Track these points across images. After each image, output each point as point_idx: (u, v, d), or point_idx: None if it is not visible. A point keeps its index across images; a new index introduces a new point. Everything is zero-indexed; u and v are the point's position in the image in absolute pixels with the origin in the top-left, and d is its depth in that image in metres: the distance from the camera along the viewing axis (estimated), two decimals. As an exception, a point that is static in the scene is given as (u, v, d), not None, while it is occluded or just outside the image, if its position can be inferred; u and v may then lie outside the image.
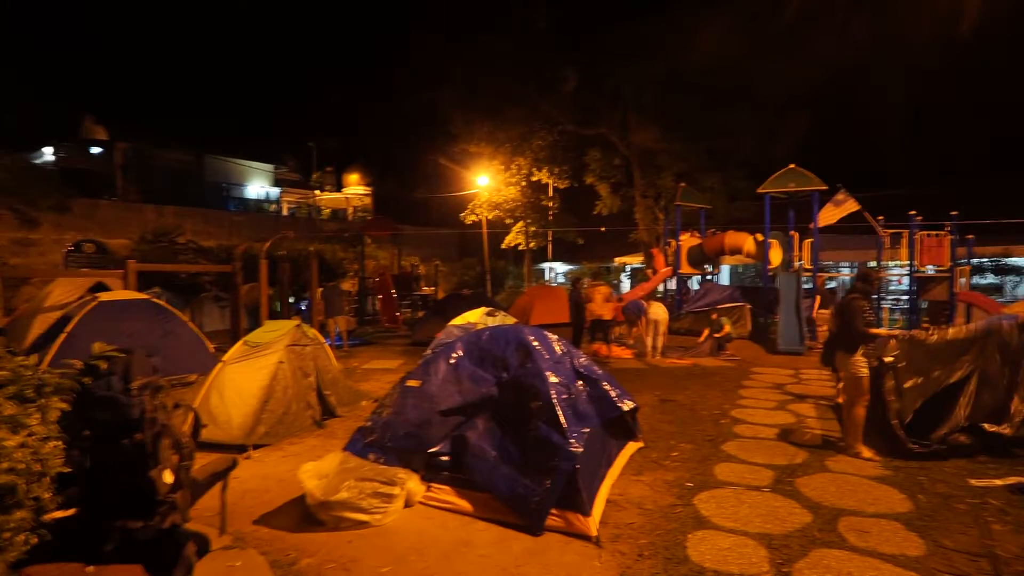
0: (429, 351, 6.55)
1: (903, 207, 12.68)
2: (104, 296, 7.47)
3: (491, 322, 7.59)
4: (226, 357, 5.82)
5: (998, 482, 4.19)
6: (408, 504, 3.78)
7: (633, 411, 4.79)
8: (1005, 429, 4.69)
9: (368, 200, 33.72)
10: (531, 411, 3.78)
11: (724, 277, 18.89)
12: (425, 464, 3.91)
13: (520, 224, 21.49)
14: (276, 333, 5.96)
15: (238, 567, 3.11)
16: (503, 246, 22.15)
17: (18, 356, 2.22)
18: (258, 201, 32.14)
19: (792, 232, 12.70)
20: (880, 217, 12.91)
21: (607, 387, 4.45)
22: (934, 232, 12.19)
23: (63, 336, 6.54)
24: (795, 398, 7.06)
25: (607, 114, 19.28)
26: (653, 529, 3.53)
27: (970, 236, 13.02)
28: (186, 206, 22.41)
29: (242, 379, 5.47)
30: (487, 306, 9.19)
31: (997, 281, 19.61)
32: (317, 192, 34.09)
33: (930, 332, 5.16)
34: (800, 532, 3.47)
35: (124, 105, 40.71)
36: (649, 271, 15.09)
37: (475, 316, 8.00)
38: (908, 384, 4.96)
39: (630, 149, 19.25)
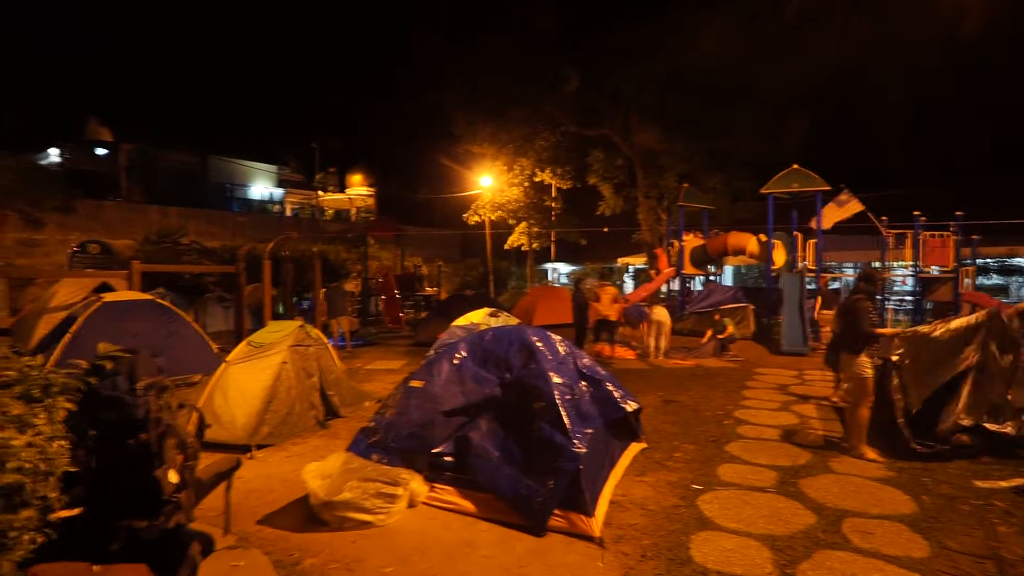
0: (432, 352, 6.56)
1: (906, 207, 12.65)
2: (109, 297, 7.50)
3: (494, 323, 7.60)
4: (230, 357, 5.84)
5: (1003, 484, 4.17)
6: (411, 504, 3.78)
7: (636, 412, 4.78)
8: (1008, 428, 4.68)
9: (371, 201, 33.78)
10: (534, 412, 3.78)
11: (727, 278, 18.86)
12: (428, 464, 3.91)
13: (523, 225, 21.49)
14: (280, 334, 5.98)
15: (242, 567, 3.12)
16: (506, 247, 22.15)
17: (24, 356, 2.24)
18: (262, 202, 32.22)
19: (796, 232, 12.68)
20: (884, 218, 12.87)
21: (610, 388, 4.44)
22: (938, 232, 12.15)
23: (68, 336, 6.57)
24: (798, 399, 7.04)
25: (609, 115, 19.28)
26: (656, 530, 3.53)
27: (975, 236, 12.98)
28: (190, 207, 22.48)
29: (246, 379, 5.48)
30: (490, 307, 9.19)
31: (1002, 282, 19.55)
32: (320, 193, 34.16)
33: (934, 325, 5.17)
34: (804, 533, 3.46)
35: (128, 106, 40.87)
36: (653, 272, 15.08)
37: (478, 317, 8.01)
38: (913, 381, 4.96)
39: (632, 150, 19.24)
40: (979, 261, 15.10)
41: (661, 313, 10.29)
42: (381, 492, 3.63)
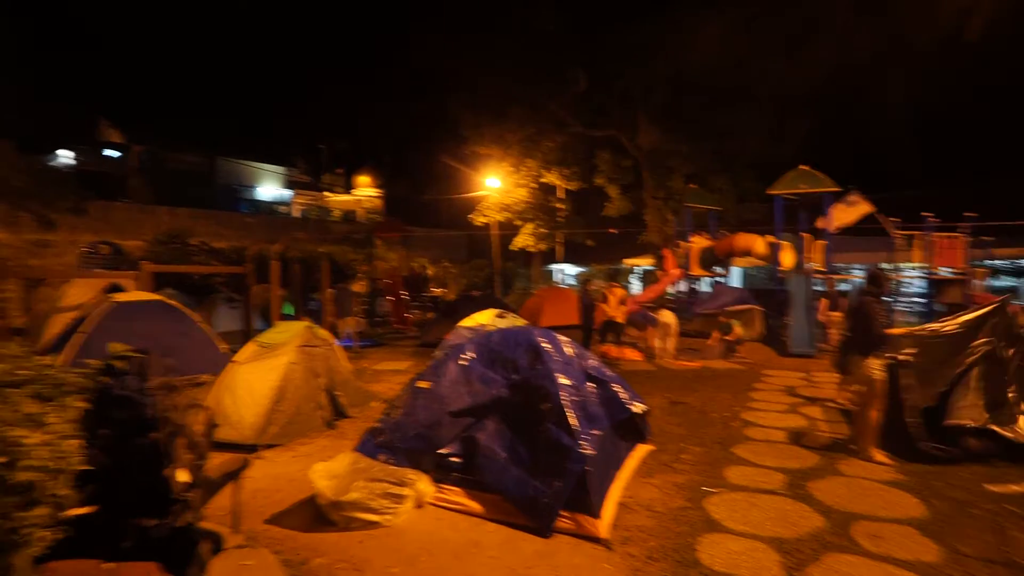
0: (439, 352, 6.58)
1: (917, 208, 12.54)
2: (119, 297, 7.56)
3: (501, 324, 7.60)
4: (238, 357, 5.88)
5: (1015, 488, 4.12)
6: (418, 505, 3.79)
7: (643, 413, 4.77)
8: (1017, 431, 4.62)
9: (378, 202, 33.93)
10: (541, 413, 3.78)
11: (735, 279, 18.77)
12: (435, 465, 3.92)
13: (530, 226, 21.49)
14: (287, 334, 6.02)
15: (250, 566, 3.14)
16: (511, 247, 22.16)
17: (38, 355, 2.27)
18: (269, 203, 32.45)
19: (804, 234, 12.60)
20: (895, 219, 12.77)
21: (617, 389, 4.44)
22: (948, 233, 12.05)
23: (80, 336, 6.62)
24: (806, 401, 7.00)
25: (616, 115, 19.25)
26: (663, 532, 3.52)
27: (987, 238, 12.85)
28: (199, 208, 22.65)
29: (254, 379, 5.52)
30: (497, 308, 9.20)
31: (1015, 283, 19.33)
32: (327, 194, 34.33)
33: (943, 321, 5.16)
34: (812, 536, 3.44)
35: (138, 109, 41.25)
36: (660, 273, 15.04)
37: (485, 317, 8.02)
38: (922, 380, 4.93)
39: (639, 150, 19.20)
40: (992, 262, 14.95)
41: (668, 314, 10.26)
42: (388, 492, 3.64)
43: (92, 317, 6.91)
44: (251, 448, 4.87)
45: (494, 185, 20.97)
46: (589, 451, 3.58)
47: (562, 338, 4.56)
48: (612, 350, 10.18)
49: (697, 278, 15.33)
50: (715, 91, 17.45)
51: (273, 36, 54.12)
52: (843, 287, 12.50)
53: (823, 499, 3.99)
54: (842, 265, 19.26)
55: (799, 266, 12.44)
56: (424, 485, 3.82)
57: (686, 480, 4.37)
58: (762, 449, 5.16)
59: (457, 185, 23.54)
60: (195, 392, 6.34)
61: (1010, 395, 4.75)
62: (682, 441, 5.38)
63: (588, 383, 4.30)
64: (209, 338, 7.96)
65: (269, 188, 33.65)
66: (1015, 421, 4.67)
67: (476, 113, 20.14)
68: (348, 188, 34.96)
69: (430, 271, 18.95)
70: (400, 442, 4.03)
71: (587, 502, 3.45)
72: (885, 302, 5.58)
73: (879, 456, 4.76)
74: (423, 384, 4.34)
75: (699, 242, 14.50)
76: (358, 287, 15.27)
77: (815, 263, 12.14)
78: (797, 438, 5.48)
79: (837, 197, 12.15)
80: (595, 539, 3.36)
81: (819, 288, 11.82)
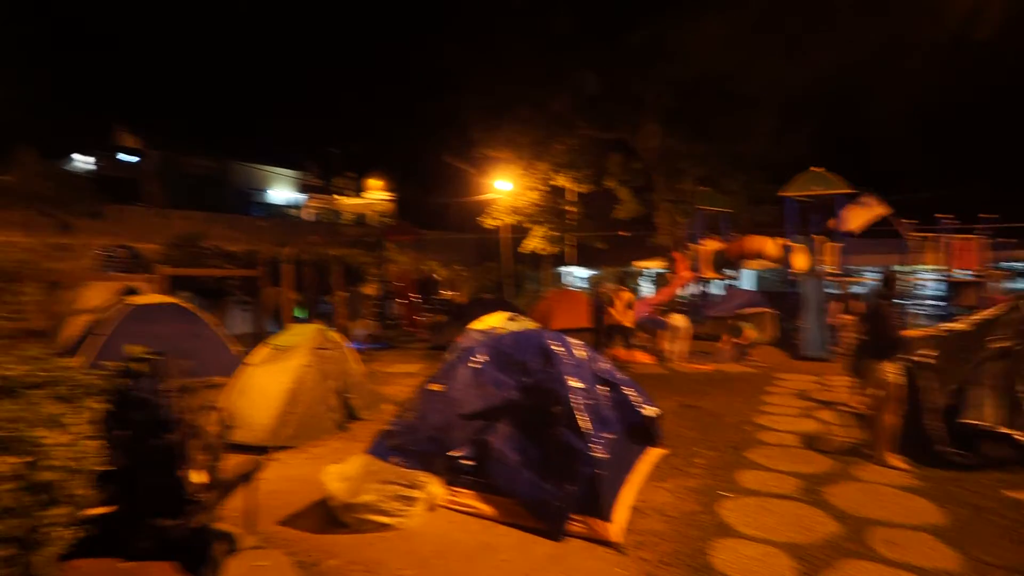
0: (451, 355, 6.58)
1: (932, 210, 12.38)
2: (135, 300, 7.67)
3: (512, 326, 7.59)
4: (251, 360, 5.94)
5: (1035, 494, 4.05)
6: (430, 507, 3.80)
7: (656, 417, 4.75)
8: None
9: (389, 205, 34.11)
10: (553, 416, 3.77)
11: (747, 282, 18.61)
12: (447, 468, 3.93)
13: (541, 229, 21.47)
14: (300, 337, 6.07)
15: (265, 567, 3.16)
16: (522, 250, 22.16)
17: (60, 358, 2.31)
18: (281, 206, 32.75)
19: (817, 236, 12.47)
20: (913, 220, 12.59)
21: (629, 392, 4.42)
22: (964, 235, 11.87)
23: (98, 338, 6.72)
24: (820, 405, 6.92)
25: (627, 118, 19.18)
26: (676, 536, 3.49)
27: (1006, 240, 12.65)
28: (212, 212, 22.89)
29: (267, 381, 5.57)
30: (508, 310, 9.20)
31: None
32: (339, 197, 34.57)
33: (958, 321, 5.10)
34: (828, 542, 3.40)
35: (154, 114, 41.85)
36: (671, 276, 14.96)
37: (496, 320, 8.02)
38: (938, 381, 4.86)
39: (650, 153, 19.13)
40: (1011, 264, 14.69)
41: (679, 317, 10.20)
42: (400, 495, 3.66)
43: (109, 320, 7.01)
44: (264, 450, 4.91)
45: (504, 188, 20.99)
46: (601, 454, 3.57)
47: (573, 341, 4.56)
48: (622, 353, 10.14)
49: (708, 281, 15.22)
50: (725, 93, 17.36)
51: (285, 41, 54.69)
52: (856, 290, 12.36)
53: (838, 504, 3.95)
54: (855, 268, 19.05)
55: (812, 269, 12.32)
56: (436, 488, 3.83)
57: (699, 484, 4.34)
58: (775, 453, 5.11)
59: (468, 188, 23.60)
60: (209, 394, 6.42)
61: (1020, 394, 4.66)
62: (694, 445, 5.34)
63: (600, 386, 4.29)
64: (222, 340, 8.05)
65: (281, 192, 33.97)
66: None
67: (487, 116, 20.18)
68: (359, 191, 35.20)
69: (441, 274, 19.01)
70: (412, 444, 4.05)
71: (599, 506, 3.44)
72: (900, 305, 5.52)
73: (895, 461, 4.70)
74: (435, 387, 4.35)
75: (710, 244, 14.41)
76: (369, 290, 15.36)
77: (828, 265, 12.02)
78: (811, 442, 5.42)
79: (850, 199, 12.02)
80: (607, 543, 3.35)
81: (832, 291, 11.70)
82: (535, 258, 22.61)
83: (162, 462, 2.75)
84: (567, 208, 21.91)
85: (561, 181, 20.88)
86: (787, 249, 12.48)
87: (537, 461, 3.69)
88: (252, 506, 3.46)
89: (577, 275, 24.72)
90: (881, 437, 4.79)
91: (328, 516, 3.70)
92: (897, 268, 13.18)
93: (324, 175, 35.86)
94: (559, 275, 23.91)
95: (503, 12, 19.33)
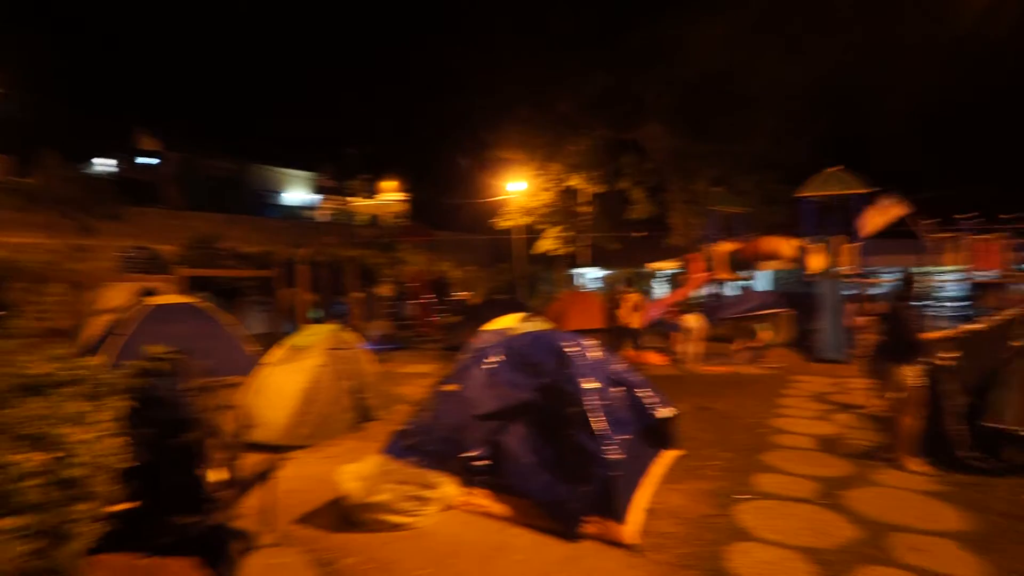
0: (464, 356, 6.60)
1: (953, 209, 12.15)
2: (155, 300, 7.79)
3: (527, 327, 7.58)
4: (268, 360, 6.00)
5: (1061, 500, 3.96)
6: (445, 507, 3.81)
7: (671, 418, 4.72)
8: None
9: (403, 206, 34.30)
10: (567, 417, 3.77)
11: (762, 283, 18.41)
12: (462, 468, 3.93)
13: (554, 230, 21.45)
14: (316, 337, 6.12)
15: (282, 564, 3.20)
16: (536, 251, 22.15)
17: (84, 357, 2.35)
18: (297, 208, 33.09)
19: (834, 237, 12.30)
20: (931, 220, 12.37)
21: (645, 394, 4.40)
22: (986, 235, 11.63)
23: (119, 338, 6.84)
24: (838, 408, 6.82)
25: (640, 118, 19.11)
26: (692, 539, 3.47)
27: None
28: (230, 213, 23.16)
29: (283, 381, 5.63)
30: (522, 311, 9.19)
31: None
32: (353, 199, 34.85)
33: (980, 323, 5.00)
34: (847, 547, 3.35)
35: (171, 116, 42.51)
36: (684, 277, 14.85)
37: (510, 321, 8.00)
38: (960, 384, 4.77)
39: (663, 153, 19.03)
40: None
41: (693, 318, 10.13)
42: (415, 495, 3.67)
43: (129, 320, 7.13)
44: (280, 449, 4.96)
45: (518, 189, 21.01)
46: (616, 456, 3.55)
47: (588, 342, 4.54)
48: (631, 354, 10.09)
49: (723, 282, 15.09)
50: (737, 92, 17.23)
51: (301, 45, 55.28)
52: (873, 291, 12.17)
53: (858, 509, 3.89)
54: (873, 269, 18.76)
55: (828, 270, 12.15)
56: (451, 488, 3.84)
57: (714, 487, 4.30)
58: (792, 456, 5.05)
59: (481, 189, 23.64)
60: (227, 393, 6.50)
61: None
62: (710, 447, 5.29)
63: (615, 387, 4.27)
64: (239, 340, 8.14)
65: (296, 193, 34.33)
66: None
67: (500, 118, 20.23)
68: (373, 193, 35.46)
69: (455, 275, 19.06)
70: (427, 445, 4.06)
71: (614, 507, 3.43)
72: (919, 306, 5.43)
73: (916, 465, 4.62)
74: (449, 387, 4.37)
75: (725, 245, 14.28)
76: (383, 291, 15.46)
77: (845, 266, 11.85)
78: (829, 445, 5.35)
79: (869, 199, 11.84)
80: (622, 545, 3.33)
81: (849, 292, 11.54)
82: (548, 259, 22.58)
83: (182, 460, 2.79)
84: (580, 209, 21.86)
85: (574, 182, 20.85)
86: (803, 250, 12.33)
87: (552, 462, 3.69)
88: (269, 504, 3.50)
89: (590, 276, 24.63)
90: (901, 441, 4.72)
91: (343, 515, 3.73)
92: (916, 269, 12.96)
93: (339, 177, 36.17)
94: (572, 276, 23.84)
95: (515, 14, 19.37)
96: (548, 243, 21.71)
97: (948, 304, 14.44)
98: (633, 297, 10.24)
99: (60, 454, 1.90)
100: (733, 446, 5.34)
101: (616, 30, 18.97)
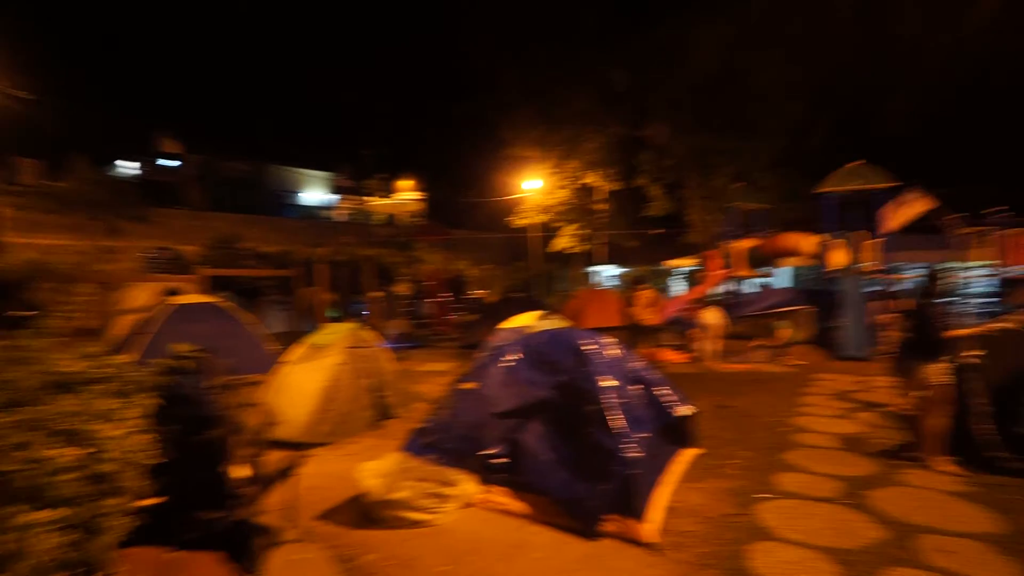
0: (482, 354, 6.62)
1: (980, 203, 11.84)
2: (178, 300, 7.95)
3: (544, 325, 7.58)
4: (288, 358, 6.08)
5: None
6: (464, 505, 3.83)
7: (690, 416, 4.68)
8: None
9: (420, 205, 34.48)
10: (586, 415, 3.76)
11: (783, 279, 18.14)
12: (480, 466, 3.95)
13: (571, 227, 21.39)
14: (335, 335, 6.19)
15: (305, 560, 3.24)
16: (552, 249, 22.11)
17: (113, 355, 2.41)
18: (316, 208, 33.46)
19: (856, 232, 12.07)
20: (961, 215, 12.07)
21: (663, 391, 4.37)
22: (1019, 229, 11.31)
23: (144, 337, 6.99)
24: (861, 406, 6.70)
25: (657, 115, 18.96)
26: (713, 538, 3.44)
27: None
28: (249, 213, 23.51)
29: (304, 379, 5.70)
30: (538, 309, 9.19)
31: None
32: (370, 198, 35.13)
33: (1010, 320, 4.87)
34: (874, 548, 3.29)
35: (192, 119, 43.23)
36: (703, 274, 14.71)
37: (527, 319, 8.01)
38: (989, 383, 4.65)
39: (681, 149, 18.84)
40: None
41: (712, 315, 10.03)
42: (435, 492, 3.70)
43: (153, 319, 7.28)
44: (300, 446, 5.03)
45: (534, 187, 20.99)
46: (635, 454, 3.54)
47: (606, 339, 4.52)
48: (646, 352, 10.02)
49: (742, 279, 14.91)
50: (759, 88, 16.98)
51: (318, 45, 55.80)
52: (898, 287, 11.92)
53: (883, 509, 3.81)
54: (897, 265, 18.38)
55: (850, 266, 11.94)
56: (470, 485, 3.86)
57: (735, 485, 4.26)
58: (814, 455, 4.98)
59: (498, 187, 23.66)
60: (249, 391, 6.61)
61: None
62: (730, 445, 5.24)
63: (634, 385, 4.25)
64: (259, 339, 8.27)
65: (314, 193, 34.72)
66: None
67: (516, 116, 20.22)
68: (390, 192, 35.70)
69: (471, 273, 19.11)
70: (445, 442, 4.09)
71: (633, 505, 3.41)
72: (946, 303, 5.29)
73: (944, 465, 4.52)
74: (467, 385, 4.38)
75: (744, 242, 14.10)
76: (401, 289, 15.57)
77: (868, 262, 11.62)
78: (852, 444, 5.26)
79: (893, 193, 11.59)
80: (641, 543, 3.32)
81: (872, 288, 11.32)
82: (565, 257, 22.53)
83: (207, 456, 2.85)
84: (596, 206, 21.76)
85: (590, 179, 20.76)
86: (824, 246, 12.13)
87: (570, 460, 3.68)
88: (291, 501, 3.55)
89: (607, 274, 24.50)
90: (927, 440, 4.62)
91: (364, 512, 3.77)
92: (942, 265, 12.65)
93: (356, 176, 36.47)
94: (589, 274, 23.75)
95: (532, 11, 19.33)
96: (564, 241, 21.65)
97: (975, 300, 14.08)
98: (646, 294, 10.17)
99: (92, 450, 1.96)
100: (753, 444, 5.28)
101: (635, 26, 18.84)
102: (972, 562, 3.12)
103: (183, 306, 7.70)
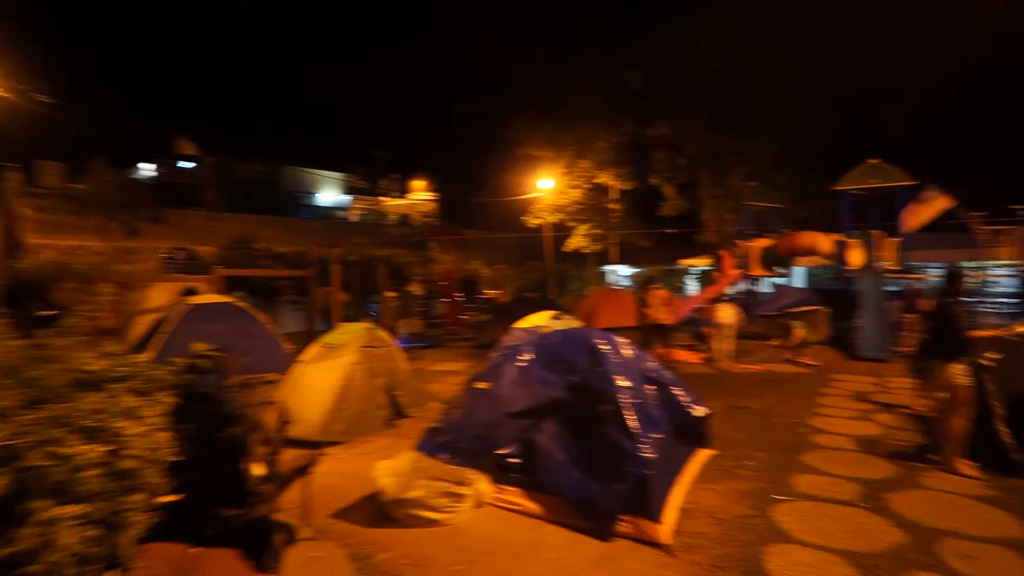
0: (496, 354, 6.63)
1: (1003, 201, 11.60)
2: (195, 299, 8.05)
3: (557, 325, 7.58)
4: (303, 357, 6.14)
5: None
6: (478, 504, 3.84)
7: (705, 417, 4.64)
8: None
9: (433, 205, 34.62)
10: (601, 415, 3.75)
11: (798, 279, 17.94)
12: (494, 465, 3.96)
13: (584, 227, 21.33)
14: (350, 335, 6.24)
15: (320, 558, 3.27)
16: (566, 249, 22.07)
17: (134, 354, 2.46)
18: (329, 208, 33.74)
19: (875, 231, 11.90)
20: (982, 213, 11.84)
21: (678, 392, 4.35)
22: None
23: (163, 336, 7.10)
24: (880, 407, 6.61)
25: (670, 114, 18.83)
26: (728, 540, 3.41)
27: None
28: (264, 214, 23.77)
29: (318, 379, 5.75)
30: (552, 309, 9.18)
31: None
32: (384, 199, 35.34)
33: None
34: (892, 552, 3.24)
35: (208, 120, 43.82)
36: (717, 274, 14.58)
37: (541, 319, 8.01)
38: (1010, 384, 4.55)
39: (695, 148, 18.69)
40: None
41: (726, 315, 9.93)
42: (449, 491, 3.71)
43: (172, 318, 7.39)
44: (315, 445, 5.06)
45: (547, 186, 20.96)
46: (649, 454, 3.52)
47: (620, 339, 4.51)
48: (660, 352, 9.96)
49: (757, 279, 14.76)
50: (773, 86, 16.81)
51: (331, 47, 56.25)
52: (918, 287, 11.72)
53: (903, 512, 3.76)
54: (917, 264, 18.08)
55: (868, 265, 11.76)
56: (484, 485, 3.86)
57: (751, 487, 4.22)
58: (832, 457, 4.92)
59: (510, 187, 23.66)
60: (266, 390, 6.68)
61: None
62: (745, 447, 5.19)
63: (648, 385, 4.23)
64: (275, 338, 8.35)
65: (329, 194, 35.02)
66: None
67: (529, 115, 20.21)
68: (404, 192, 35.89)
69: (484, 273, 19.14)
70: (459, 442, 4.10)
71: (648, 506, 3.40)
72: (967, 303, 5.19)
73: (966, 468, 4.43)
74: (481, 385, 4.40)
75: (759, 241, 13.95)
76: (415, 289, 15.64)
77: (887, 261, 11.44)
78: (871, 446, 5.18)
79: (911, 191, 11.41)
80: (657, 545, 3.30)
81: (891, 288, 11.15)
82: (578, 256, 22.46)
83: (225, 454, 2.88)
84: (610, 206, 21.68)
85: (604, 179, 20.68)
86: (841, 245, 11.96)
87: (585, 460, 3.68)
88: (307, 499, 3.58)
89: (621, 273, 24.39)
90: (950, 442, 4.54)
91: (378, 510, 3.79)
92: (965, 264, 12.42)
93: (369, 177, 36.71)
94: (603, 274, 23.65)
95: (544, 10, 19.31)
96: (578, 240, 21.59)
97: (1000, 300, 13.79)
98: (660, 293, 10.10)
99: (114, 446, 2.00)
100: (769, 446, 5.23)
101: (646, 24, 18.76)
102: (995, 568, 3.06)
103: (200, 306, 7.79)
